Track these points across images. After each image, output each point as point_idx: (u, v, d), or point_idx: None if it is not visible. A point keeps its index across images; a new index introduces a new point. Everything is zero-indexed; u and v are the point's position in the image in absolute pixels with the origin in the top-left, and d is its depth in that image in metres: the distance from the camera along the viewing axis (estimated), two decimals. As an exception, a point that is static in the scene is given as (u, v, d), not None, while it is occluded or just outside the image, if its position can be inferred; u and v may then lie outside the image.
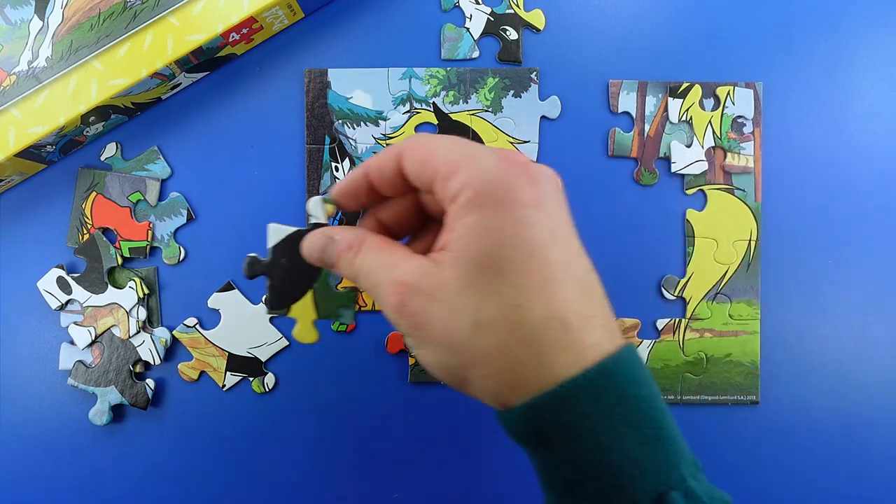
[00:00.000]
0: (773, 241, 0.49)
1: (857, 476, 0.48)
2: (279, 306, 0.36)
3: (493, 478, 0.48)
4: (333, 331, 0.48)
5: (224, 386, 0.48)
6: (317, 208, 0.35)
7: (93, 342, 0.47)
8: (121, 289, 0.47)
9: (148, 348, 0.47)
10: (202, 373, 0.48)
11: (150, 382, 0.47)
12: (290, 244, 0.36)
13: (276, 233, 0.36)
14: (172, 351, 0.48)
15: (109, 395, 0.46)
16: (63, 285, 0.47)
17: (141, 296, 0.47)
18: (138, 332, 0.47)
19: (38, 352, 0.48)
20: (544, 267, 0.30)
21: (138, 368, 0.47)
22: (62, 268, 0.47)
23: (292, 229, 0.36)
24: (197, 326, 0.47)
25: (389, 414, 0.48)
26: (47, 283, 0.47)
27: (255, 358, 0.48)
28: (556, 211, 0.32)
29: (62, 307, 0.47)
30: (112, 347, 0.47)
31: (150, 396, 0.46)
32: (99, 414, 0.46)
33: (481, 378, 0.31)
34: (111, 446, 0.47)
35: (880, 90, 0.50)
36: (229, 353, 0.47)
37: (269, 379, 0.48)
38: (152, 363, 0.47)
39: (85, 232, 0.47)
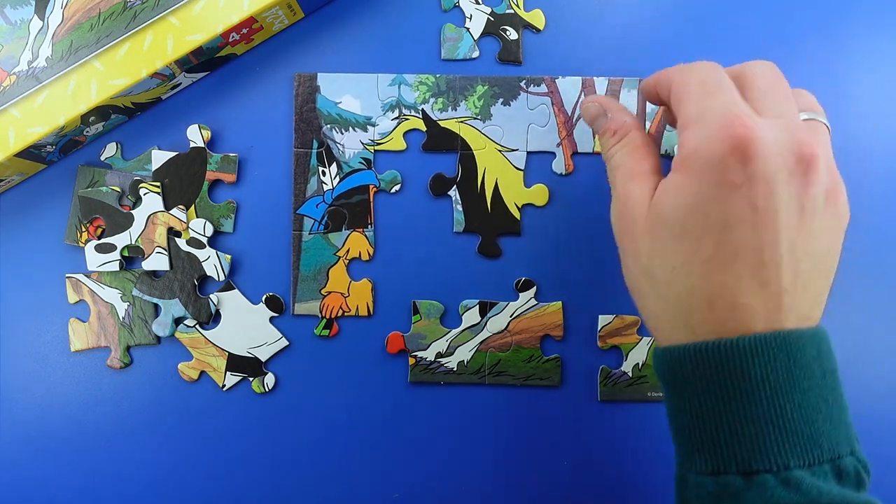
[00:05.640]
0: (773, 241, 0.49)
1: (858, 475, 0.48)
2: None
3: (494, 478, 0.48)
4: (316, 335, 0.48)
5: (224, 386, 0.47)
6: None
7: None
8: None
9: (213, 264, 0.47)
10: (202, 373, 0.48)
11: (214, 298, 0.47)
12: None
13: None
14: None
15: (173, 308, 0.47)
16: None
17: (130, 300, 0.47)
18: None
19: (38, 351, 0.48)
20: (716, 245, 0.32)
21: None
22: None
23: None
24: (197, 326, 0.47)
25: (389, 414, 0.48)
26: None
27: (255, 358, 0.48)
28: (759, 194, 0.32)
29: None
30: (178, 260, 0.47)
31: (212, 311, 0.47)
32: (162, 325, 0.47)
33: (642, 311, 0.37)
34: (112, 446, 0.47)
35: (880, 90, 0.50)
36: (229, 353, 0.47)
37: (269, 379, 0.48)
38: (217, 279, 0.47)
39: (83, 230, 0.47)
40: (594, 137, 0.48)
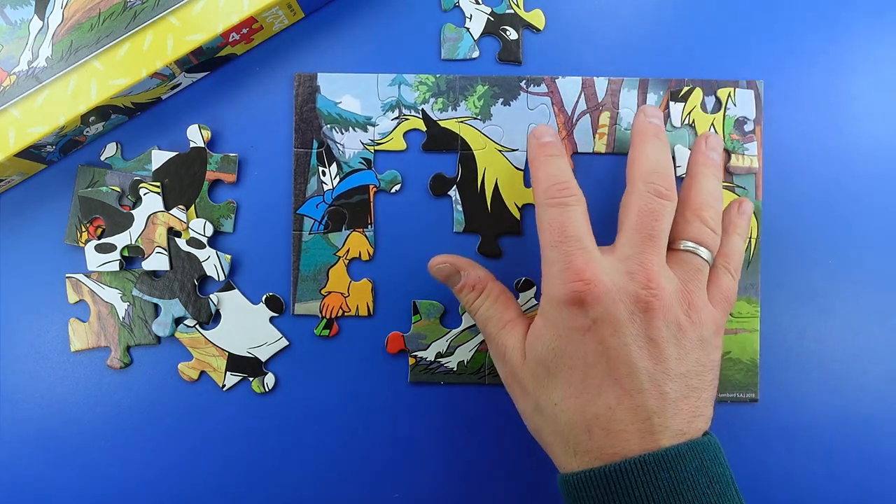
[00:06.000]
0: (773, 239, 0.49)
1: (857, 474, 0.48)
2: None
3: (494, 478, 0.48)
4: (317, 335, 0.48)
5: (224, 386, 0.48)
6: None
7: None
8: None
9: (213, 264, 0.47)
10: (202, 373, 0.48)
11: (214, 298, 0.47)
12: None
13: None
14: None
15: (173, 308, 0.47)
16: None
17: (130, 300, 0.47)
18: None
19: (38, 351, 0.48)
20: (583, 381, 0.36)
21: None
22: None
23: None
24: (197, 326, 0.47)
25: (389, 414, 0.48)
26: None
27: (255, 358, 0.48)
28: (606, 333, 0.36)
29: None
30: (178, 260, 0.47)
31: (212, 311, 0.47)
32: (162, 325, 0.47)
33: (541, 443, 0.40)
34: (112, 446, 0.47)
35: (880, 90, 0.50)
36: (229, 353, 0.47)
37: (269, 379, 0.48)
38: (217, 279, 0.47)
39: (83, 230, 0.47)
40: (594, 137, 0.48)
